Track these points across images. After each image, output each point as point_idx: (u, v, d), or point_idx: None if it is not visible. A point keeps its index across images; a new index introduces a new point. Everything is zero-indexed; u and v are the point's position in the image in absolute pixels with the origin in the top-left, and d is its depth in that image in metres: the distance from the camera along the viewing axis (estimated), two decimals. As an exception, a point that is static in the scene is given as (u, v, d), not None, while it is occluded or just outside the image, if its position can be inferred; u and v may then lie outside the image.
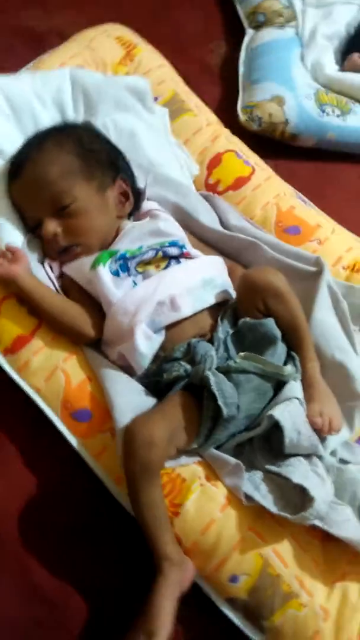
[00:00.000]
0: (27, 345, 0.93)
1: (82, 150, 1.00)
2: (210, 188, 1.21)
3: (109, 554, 0.87)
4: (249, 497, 0.87)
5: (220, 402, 0.85)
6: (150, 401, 0.91)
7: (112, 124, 1.13)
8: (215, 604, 0.85)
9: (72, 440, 0.90)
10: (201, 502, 0.86)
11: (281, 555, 0.85)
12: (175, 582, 0.81)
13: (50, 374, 0.92)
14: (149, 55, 1.28)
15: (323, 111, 1.43)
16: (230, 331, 0.95)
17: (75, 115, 1.13)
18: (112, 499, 0.88)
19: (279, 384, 0.92)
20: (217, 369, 0.89)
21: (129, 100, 1.17)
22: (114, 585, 0.86)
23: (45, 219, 0.97)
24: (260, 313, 0.94)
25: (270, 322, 0.93)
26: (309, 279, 1.06)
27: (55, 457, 0.91)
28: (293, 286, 0.98)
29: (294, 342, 0.96)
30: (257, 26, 1.57)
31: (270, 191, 1.21)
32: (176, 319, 0.93)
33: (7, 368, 0.92)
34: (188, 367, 0.90)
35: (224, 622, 0.85)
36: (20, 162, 1.00)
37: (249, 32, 1.57)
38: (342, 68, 1.55)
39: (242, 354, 0.91)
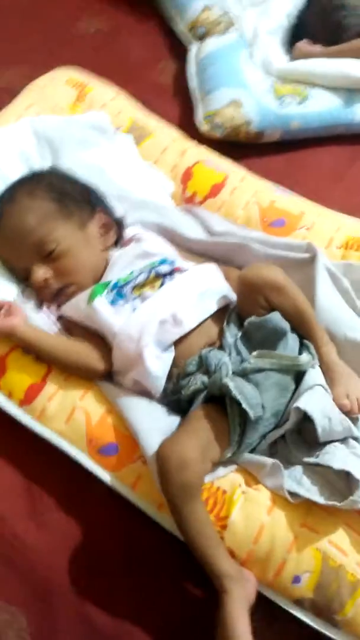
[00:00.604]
0: (40, 392, 0.93)
1: (55, 194, 1.02)
2: (189, 201, 1.22)
3: (165, 585, 0.86)
4: (293, 494, 0.86)
5: (244, 406, 0.84)
6: (175, 420, 0.91)
7: (79, 163, 1.15)
8: (284, 610, 0.83)
9: (105, 476, 0.89)
10: (247, 509, 0.85)
11: (339, 545, 0.83)
12: (241, 598, 0.79)
13: (69, 415, 0.91)
14: (101, 90, 1.31)
15: (282, 102, 1.44)
16: (239, 334, 0.94)
17: (42, 162, 1.15)
18: (158, 527, 0.87)
19: (298, 375, 0.91)
20: (234, 373, 0.88)
21: (92, 136, 1.19)
22: (175, 615, 0.84)
23: (34, 267, 0.98)
24: (263, 309, 0.94)
25: (275, 316, 0.92)
26: (304, 266, 1.06)
27: (92, 497, 0.90)
28: (291, 276, 0.98)
29: (304, 330, 0.95)
30: (200, 38, 1.59)
31: (247, 190, 1.21)
32: (181, 334, 0.93)
33: (27, 420, 0.92)
34: (205, 378, 0.89)
35: (298, 625, 0.82)
36: (-4, 218, 1.02)
37: (193, 46, 1.59)
38: (292, 57, 1.57)
39: (255, 353, 0.90)
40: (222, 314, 0.98)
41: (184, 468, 0.80)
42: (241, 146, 1.43)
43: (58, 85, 1.29)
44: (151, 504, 0.87)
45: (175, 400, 0.92)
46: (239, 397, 0.84)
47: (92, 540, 0.88)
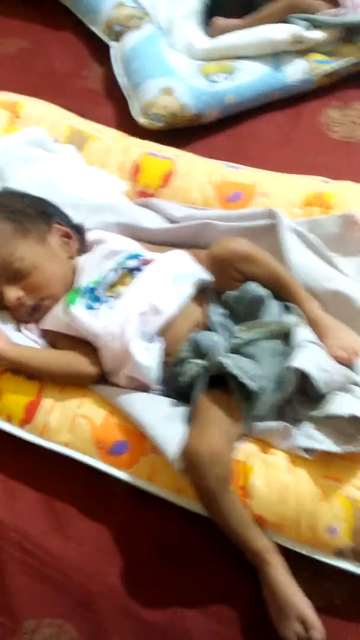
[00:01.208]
0: (38, 408, 0.92)
1: (7, 214, 1.01)
2: (142, 195, 1.22)
3: (199, 566, 0.86)
4: (309, 450, 0.86)
5: (244, 380, 0.84)
6: (178, 408, 0.91)
7: (26, 180, 1.15)
8: (329, 565, 0.83)
9: (120, 474, 0.89)
10: (266, 474, 0.85)
11: (365, 489, 0.83)
12: (283, 565, 0.82)
13: (72, 425, 0.91)
14: (32, 105, 1.31)
15: (212, 81, 1.45)
16: (222, 311, 0.94)
17: (-11, 187, 1.15)
18: (182, 511, 0.87)
19: (288, 338, 0.91)
20: (228, 350, 0.88)
21: (33, 151, 1.19)
22: (216, 593, 0.85)
23: (4, 289, 0.98)
24: (239, 282, 0.94)
25: (250, 285, 0.93)
26: (270, 232, 1.06)
27: (112, 497, 0.91)
28: (259, 244, 0.99)
29: (283, 292, 0.96)
30: (118, 37, 1.60)
31: (197, 172, 1.22)
32: (164, 321, 0.93)
33: (31, 437, 0.92)
34: (200, 361, 0.89)
35: (345, 577, 0.83)
36: None
37: (113, 45, 1.60)
38: (210, 36, 1.58)
39: (240, 327, 0.91)
40: (203, 297, 0.98)
41: (217, 461, 0.81)
42: (183, 132, 1.44)
43: (-11, 110, 1.28)
44: (171, 490, 0.87)
45: (174, 388, 0.92)
46: (236, 372, 0.84)
47: (120, 539, 0.88)
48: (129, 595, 0.83)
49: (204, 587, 0.84)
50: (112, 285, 0.97)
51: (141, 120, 1.41)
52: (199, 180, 1.21)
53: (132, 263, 0.99)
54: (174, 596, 0.84)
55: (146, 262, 1.00)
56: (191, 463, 0.81)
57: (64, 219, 1.09)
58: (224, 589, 0.84)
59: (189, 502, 0.86)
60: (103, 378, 0.96)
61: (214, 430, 0.82)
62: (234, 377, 0.85)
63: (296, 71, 1.51)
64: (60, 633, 0.82)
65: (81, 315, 0.94)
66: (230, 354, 0.87)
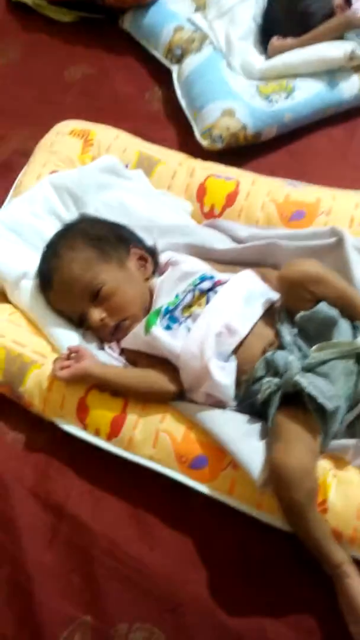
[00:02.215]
0: (124, 423, 0.99)
1: (91, 240, 1.08)
2: (208, 216, 1.27)
3: (281, 576, 0.90)
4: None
5: (321, 400, 0.88)
6: (255, 424, 0.95)
7: (102, 206, 1.22)
8: None
9: (202, 488, 0.94)
10: (342, 490, 0.89)
11: None
12: (359, 577, 0.85)
13: (155, 439, 0.97)
14: (103, 132, 1.37)
15: (270, 101, 1.50)
16: (294, 330, 0.98)
17: (68, 214, 1.23)
18: (260, 524, 0.92)
19: (358, 357, 0.95)
20: (302, 369, 0.92)
21: (107, 179, 1.25)
22: (297, 601, 0.88)
23: (89, 311, 1.05)
24: (309, 302, 0.97)
25: (322, 306, 0.96)
26: (334, 250, 1.10)
27: (193, 509, 0.96)
28: (323, 263, 1.01)
29: (352, 312, 0.99)
30: (179, 60, 1.66)
31: (261, 192, 1.26)
32: (238, 341, 0.98)
33: (119, 451, 0.98)
34: (276, 380, 0.93)
35: None
36: (46, 275, 1.09)
37: (174, 68, 1.66)
38: (267, 56, 1.62)
39: (314, 347, 0.94)
40: (271, 315, 1.02)
41: (306, 475, 0.85)
42: (243, 150, 1.48)
43: (64, 138, 1.36)
44: (251, 504, 0.92)
45: (249, 405, 0.97)
46: (314, 392, 0.88)
47: (202, 548, 0.93)
48: (213, 604, 0.88)
49: (283, 598, 0.88)
50: (189, 306, 1.03)
51: (204, 142, 1.47)
52: (262, 199, 1.25)
53: (206, 285, 1.04)
54: (255, 605, 0.88)
55: (219, 283, 1.05)
56: (280, 478, 0.85)
57: (140, 243, 1.15)
58: (303, 599, 0.88)
59: (268, 516, 0.91)
60: (182, 395, 1.02)
61: (300, 446, 0.86)
62: (310, 396, 0.89)
63: (352, 87, 1.55)
64: (151, 637, 0.87)
65: (161, 336, 1.00)
66: (305, 374, 0.91)
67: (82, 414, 1.01)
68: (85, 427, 1.01)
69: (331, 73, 1.55)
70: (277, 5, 1.69)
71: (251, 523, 0.93)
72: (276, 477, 0.86)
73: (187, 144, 1.51)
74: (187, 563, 0.93)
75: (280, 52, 1.59)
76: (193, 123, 1.52)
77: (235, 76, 1.57)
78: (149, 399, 1.01)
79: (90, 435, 1.00)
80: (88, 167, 1.27)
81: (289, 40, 1.60)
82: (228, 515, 0.94)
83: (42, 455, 1.04)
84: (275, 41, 1.61)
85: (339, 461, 0.92)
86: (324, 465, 0.91)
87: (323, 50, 1.55)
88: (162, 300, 1.06)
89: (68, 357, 1.01)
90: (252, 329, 1.00)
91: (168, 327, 1.02)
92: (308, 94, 1.52)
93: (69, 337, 1.07)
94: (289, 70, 1.56)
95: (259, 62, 1.60)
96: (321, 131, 1.56)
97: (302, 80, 1.54)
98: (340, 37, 1.59)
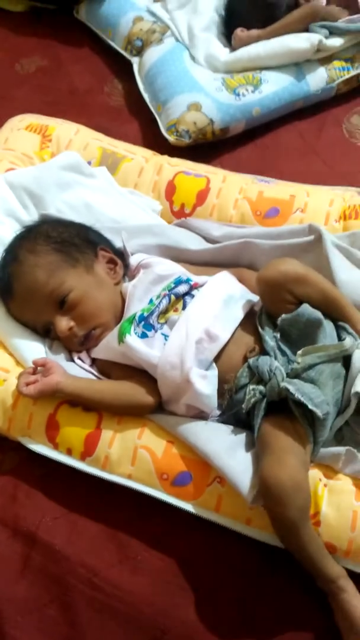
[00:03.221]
0: (99, 440, 0.92)
1: (55, 244, 1.01)
2: (179, 215, 1.21)
3: (270, 595, 0.86)
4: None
5: (310, 407, 0.84)
6: (239, 435, 0.90)
7: (65, 206, 1.14)
8: None
9: (186, 506, 0.88)
10: (335, 501, 0.85)
11: None
12: (355, 590, 0.82)
13: (133, 456, 0.91)
14: (62, 127, 1.29)
15: (238, 94, 1.45)
16: (277, 335, 0.93)
17: (28, 215, 1.14)
18: (248, 540, 0.87)
19: (346, 359, 0.91)
20: (287, 375, 0.87)
21: (69, 177, 1.17)
22: (289, 625, 0.84)
23: (55, 320, 0.98)
24: (291, 304, 0.92)
25: (305, 308, 0.91)
26: (312, 248, 1.06)
27: (177, 528, 0.90)
28: (302, 261, 0.97)
29: (336, 312, 0.95)
30: (139, 52, 1.59)
31: (232, 189, 1.21)
32: (220, 347, 0.93)
33: (94, 471, 0.92)
34: (261, 387, 0.88)
35: None
36: (6, 283, 1.01)
37: (135, 60, 1.59)
38: (232, 48, 1.57)
39: (299, 352, 0.89)
40: (251, 319, 0.97)
41: (299, 489, 0.80)
42: (210, 146, 1.43)
43: (19, 134, 1.27)
44: (239, 520, 0.87)
45: (233, 414, 0.92)
46: (302, 399, 0.83)
47: (188, 569, 0.87)
48: (202, 628, 0.83)
49: (276, 619, 0.84)
50: (164, 312, 0.97)
51: (170, 137, 1.41)
52: (235, 196, 1.20)
53: (182, 288, 0.98)
54: (246, 628, 0.83)
55: (196, 286, 1.00)
56: (271, 494, 0.80)
57: (108, 245, 1.08)
58: (297, 620, 0.84)
59: (259, 533, 0.86)
60: (160, 406, 0.96)
61: (290, 458, 0.82)
62: (298, 402, 0.84)
63: (319, 79, 1.51)
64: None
65: (137, 345, 0.93)
66: (291, 380, 0.86)
67: (52, 432, 0.94)
68: (56, 447, 0.94)
69: (298, 65, 1.51)
70: (240, -4, 1.64)
71: (240, 540, 0.88)
72: (266, 493, 0.81)
73: (152, 140, 1.45)
74: (172, 586, 0.87)
75: (245, 44, 1.54)
76: (157, 118, 1.46)
77: (199, 69, 1.51)
78: (125, 413, 0.94)
79: (62, 455, 0.93)
80: (47, 165, 1.18)
81: (254, 32, 1.56)
82: (215, 533, 0.89)
83: (9, 478, 0.97)
84: (240, 32, 1.56)
85: (329, 468, 0.88)
86: (313, 475, 0.87)
87: (289, 42, 1.50)
88: (136, 307, 0.99)
89: (34, 372, 0.94)
90: (233, 334, 0.94)
91: (143, 335, 0.95)
92: (276, 87, 1.48)
93: (33, 349, 0.99)
94: (255, 63, 1.51)
95: (223, 54, 1.55)
96: (288, 125, 1.53)
97: (269, 72, 1.49)
98: (305, 29, 1.55)
